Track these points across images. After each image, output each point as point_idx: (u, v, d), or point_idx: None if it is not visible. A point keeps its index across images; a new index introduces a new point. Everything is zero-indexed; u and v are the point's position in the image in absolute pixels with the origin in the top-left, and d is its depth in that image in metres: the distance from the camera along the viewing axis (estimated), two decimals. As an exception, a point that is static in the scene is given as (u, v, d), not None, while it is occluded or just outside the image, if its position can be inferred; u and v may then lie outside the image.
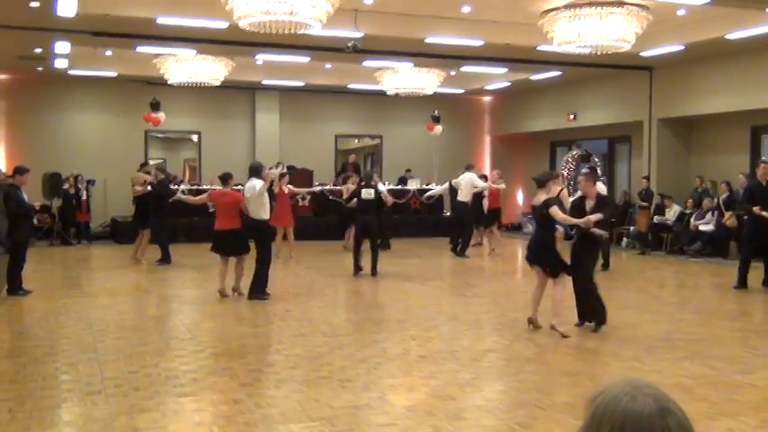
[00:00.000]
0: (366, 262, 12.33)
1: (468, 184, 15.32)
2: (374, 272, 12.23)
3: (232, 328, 8.37)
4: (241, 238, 10.06)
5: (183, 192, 14.80)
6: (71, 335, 7.74)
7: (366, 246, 12.35)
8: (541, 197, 7.82)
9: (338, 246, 16.77)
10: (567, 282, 7.84)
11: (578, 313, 8.12)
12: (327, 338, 7.62)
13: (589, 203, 7.94)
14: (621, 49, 11.51)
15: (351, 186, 14.65)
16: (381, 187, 14.15)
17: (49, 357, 6.78)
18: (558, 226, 8.21)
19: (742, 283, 10.79)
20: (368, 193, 12.25)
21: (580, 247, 7.96)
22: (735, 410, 5.27)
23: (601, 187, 13.48)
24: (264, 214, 9.93)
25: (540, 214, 7.80)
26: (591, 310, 7.98)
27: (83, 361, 6.60)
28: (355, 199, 12.56)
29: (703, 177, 16.27)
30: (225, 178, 10.54)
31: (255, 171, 10.08)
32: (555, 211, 7.58)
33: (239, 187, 11.34)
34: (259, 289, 9.89)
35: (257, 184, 9.87)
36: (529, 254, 8.02)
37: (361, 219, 12.30)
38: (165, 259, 13.72)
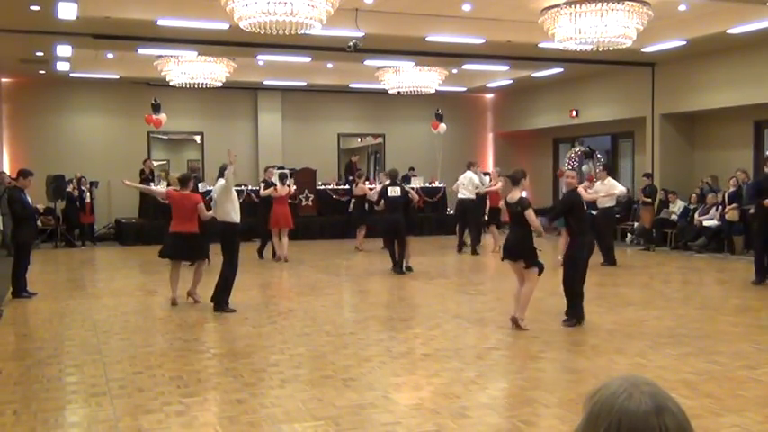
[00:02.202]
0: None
1: (469, 182, 15.43)
2: (401, 269, 12.31)
3: (235, 328, 8.38)
4: (198, 243, 9.62)
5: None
6: (76, 336, 7.76)
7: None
8: (516, 195, 7.87)
9: (341, 245, 16.82)
10: (536, 279, 7.89)
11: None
12: (331, 338, 7.62)
13: None
14: (623, 45, 11.50)
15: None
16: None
17: (54, 359, 6.80)
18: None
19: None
20: (395, 192, 12.33)
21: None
22: (740, 406, 5.26)
23: (613, 182, 13.58)
24: (235, 216, 9.33)
25: (515, 212, 7.87)
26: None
27: (87, 362, 6.62)
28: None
29: (702, 179, 16.32)
30: (184, 180, 9.96)
31: (221, 172, 9.65)
32: (530, 214, 7.72)
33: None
34: (224, 299, 9.22)
35: (220, 182, 9.55)
36: (507, 252, 7.97)
37: (389, 218, 12.32)
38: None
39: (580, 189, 12.89)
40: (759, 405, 5.30)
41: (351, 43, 13.20)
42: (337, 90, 21.10)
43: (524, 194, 7.96)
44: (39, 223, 16.09)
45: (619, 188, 13.54)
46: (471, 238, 15.41)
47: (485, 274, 13.33)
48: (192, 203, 9.58)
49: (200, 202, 9.75)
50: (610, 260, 13.21)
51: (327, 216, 19.10)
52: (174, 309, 9.56)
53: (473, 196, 15.39)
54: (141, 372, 6.27)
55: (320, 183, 19.58)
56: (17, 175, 10.77)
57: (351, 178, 19.40)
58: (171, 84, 16.27)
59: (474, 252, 15.14)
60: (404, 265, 12.47)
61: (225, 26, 12.13)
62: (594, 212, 14.03)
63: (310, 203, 19.18)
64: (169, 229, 9.69)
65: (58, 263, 14.79)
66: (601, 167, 14.80)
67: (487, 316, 8.89)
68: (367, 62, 16.76)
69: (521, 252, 7.84)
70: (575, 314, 8.09)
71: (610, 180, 13.71)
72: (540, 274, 7.87)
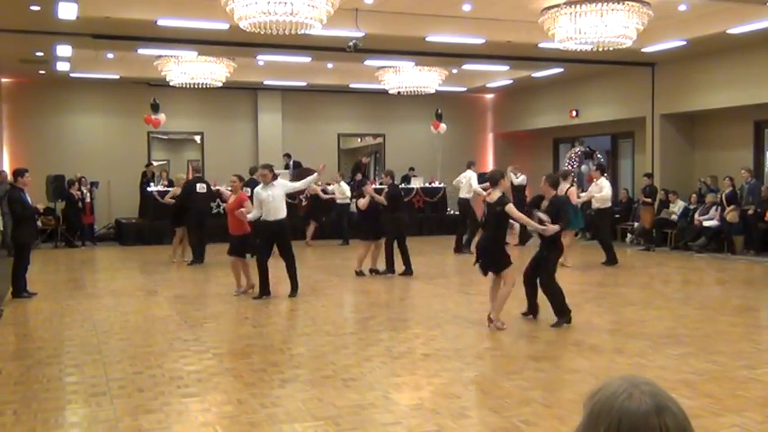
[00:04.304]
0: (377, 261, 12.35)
1: (468, 182, 15.52)
2: (411, 270, 12.19)
3: (236, 328, 8.38)
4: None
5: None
6: (76, 336, 7.76)
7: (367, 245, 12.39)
8: (495, 195, 7.85)
9: (340, 245, 16.87)
10: (514, 281, 7.94)
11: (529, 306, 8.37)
12: (331, 338, 7.62)
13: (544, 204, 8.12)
14: (623, 45, 11.50)
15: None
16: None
17: (54, 359, 6.80)
18: (514, 224, 8.29)
19: None
20: (401, 192, 12.43)
21: (545, 246, 8.09)
22: (740, 406, 5.26)
23: (604, 183, 13.71)
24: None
25: (495, 213, 7.87)
26: (556, 308, 8.00)
27: (87, 362, 6.62)
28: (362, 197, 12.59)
29: (700, 179, 16.35)
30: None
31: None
32: (511, 208, 7.75)
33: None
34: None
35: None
36: (480, 260, 7.99)
37: (401, 217, 12.32)
38: (197, 259, 13.68)
39: (572, 192, 13.07)
40: (759, 405, 5.30)
41: (351, 43, 13.19)
42: (337, 90, 21.10)
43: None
44: (39, 223, 16.09)
45: (604, 191, 13.53)
46: (463, 237, 15.57)
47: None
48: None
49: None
50: (610, 259, 13.18)
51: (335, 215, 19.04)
52: (174, 308, 9.55)
53: (469, 196, 15.61)
54: (141, 372, 6.27)
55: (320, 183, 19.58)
56: (13, 176, 10.72)
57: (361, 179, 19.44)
58: (171, 84, 16.27)
59: (467, 250, 15.25)
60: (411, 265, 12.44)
61: (225, 26, 12.13)
62: (591, 212, 14.17)
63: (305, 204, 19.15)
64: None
65: (58, 263, 14.78)
66: (594, 168, 14.94)
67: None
68: (367, 62, 16.76)
69: (492, 260, 7.88)
70: (561, 313, 7.99)
71: (602, 181, 13.71)
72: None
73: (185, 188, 14.16)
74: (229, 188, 11.00)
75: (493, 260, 7.90)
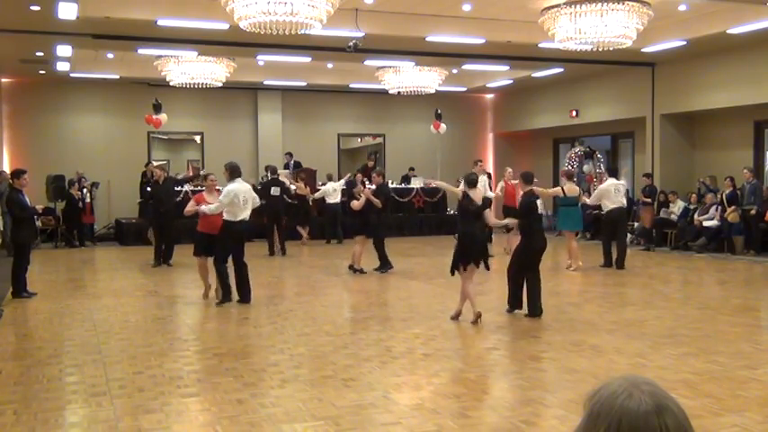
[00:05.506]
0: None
1: (481, 184, 15.20)
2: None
3: (235, 328, 8.38)
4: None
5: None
6: (75, 336, 7.76)
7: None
8: (479, 195, 8.55)
9: (340, 245, 16.85)
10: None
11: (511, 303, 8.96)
12: (331, 337, 7.62)
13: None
14: (623, 45, 11.50)
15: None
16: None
17: (54, 359, 6.80)
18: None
19: None
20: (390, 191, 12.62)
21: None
22: (740, 406, 5.26)
23: (612, 183, 13.44)
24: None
25: (476, 212, 8.48)
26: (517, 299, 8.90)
27: (87, 362, 6.62)
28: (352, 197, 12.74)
29: (699, 179, 16.31)
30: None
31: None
32: (488, 214, 8.62)
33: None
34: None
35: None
36: (478, 253, 8.47)
37: (386, 217, 12.53)
38: (156, 259, 13.72)
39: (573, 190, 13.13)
40: (759, 405, 5.30)
41: (351, 43, 13.19)
42: (337, 90, 21.10)
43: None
44: (39, 223, 16.07)
45: (595, 194, 13.49)
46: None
47: (485, 274, 13.28)
48: None
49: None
50: (607, 262, 13.06)
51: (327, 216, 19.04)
52: (174, 309, 9.55)
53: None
54: (141, 372, 6.27)
55: (320, 183, 19.57)
56: (12, 177, 10.69)
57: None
58: (171, 84, 16.27)
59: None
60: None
61: (225, 26, 12.13)
62: (596, 212, 14.16)
63: (310, 203, 19.15)
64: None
65: (57, 263, 14.78)
66: (602, 170, 14.93)
67: (487, 316, 8.87)
68: (367, 62, 16.76)
69: (482, 251, 8.60)
70: (511, 302, 8.87)
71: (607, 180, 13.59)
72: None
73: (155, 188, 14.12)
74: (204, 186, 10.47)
75: (484, 254, 8.61)
